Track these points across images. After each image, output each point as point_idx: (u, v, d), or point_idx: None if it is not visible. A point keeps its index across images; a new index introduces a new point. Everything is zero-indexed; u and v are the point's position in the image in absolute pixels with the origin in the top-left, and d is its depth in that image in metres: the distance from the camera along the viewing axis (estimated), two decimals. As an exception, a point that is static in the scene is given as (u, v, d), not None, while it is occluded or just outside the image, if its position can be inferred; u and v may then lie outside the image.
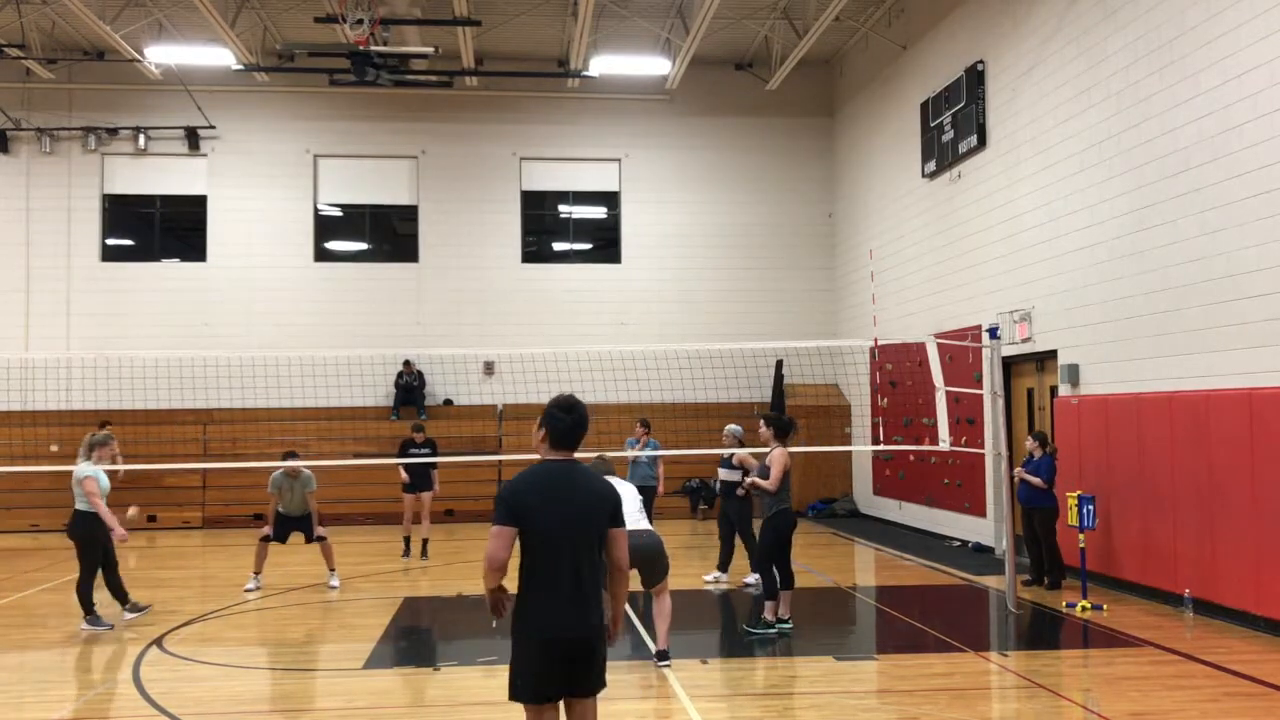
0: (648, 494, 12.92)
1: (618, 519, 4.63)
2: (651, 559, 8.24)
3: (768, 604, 9.56)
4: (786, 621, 9.55)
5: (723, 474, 12.11)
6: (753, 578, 11.08)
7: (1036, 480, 11.56)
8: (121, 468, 14.90)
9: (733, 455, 11.79)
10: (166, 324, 20.13)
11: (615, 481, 8.83)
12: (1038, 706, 7.29)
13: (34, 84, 20.11)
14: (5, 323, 19.97)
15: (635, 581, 8.86)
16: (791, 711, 7.10)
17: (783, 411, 20.47)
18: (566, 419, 4.57)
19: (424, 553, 14.46)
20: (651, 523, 9.08)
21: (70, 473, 10.17)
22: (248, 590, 11.94)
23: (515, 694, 4.53)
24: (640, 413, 15.66)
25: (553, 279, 21.33)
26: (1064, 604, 10.69)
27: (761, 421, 9.98)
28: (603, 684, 4.66)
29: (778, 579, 9.54)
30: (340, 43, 16.73)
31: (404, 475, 14.47)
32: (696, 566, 14.20)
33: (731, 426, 12.15)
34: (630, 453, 13.48)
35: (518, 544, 4.51)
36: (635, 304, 21.15)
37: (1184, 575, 10.16)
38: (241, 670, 8.53)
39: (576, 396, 4.70)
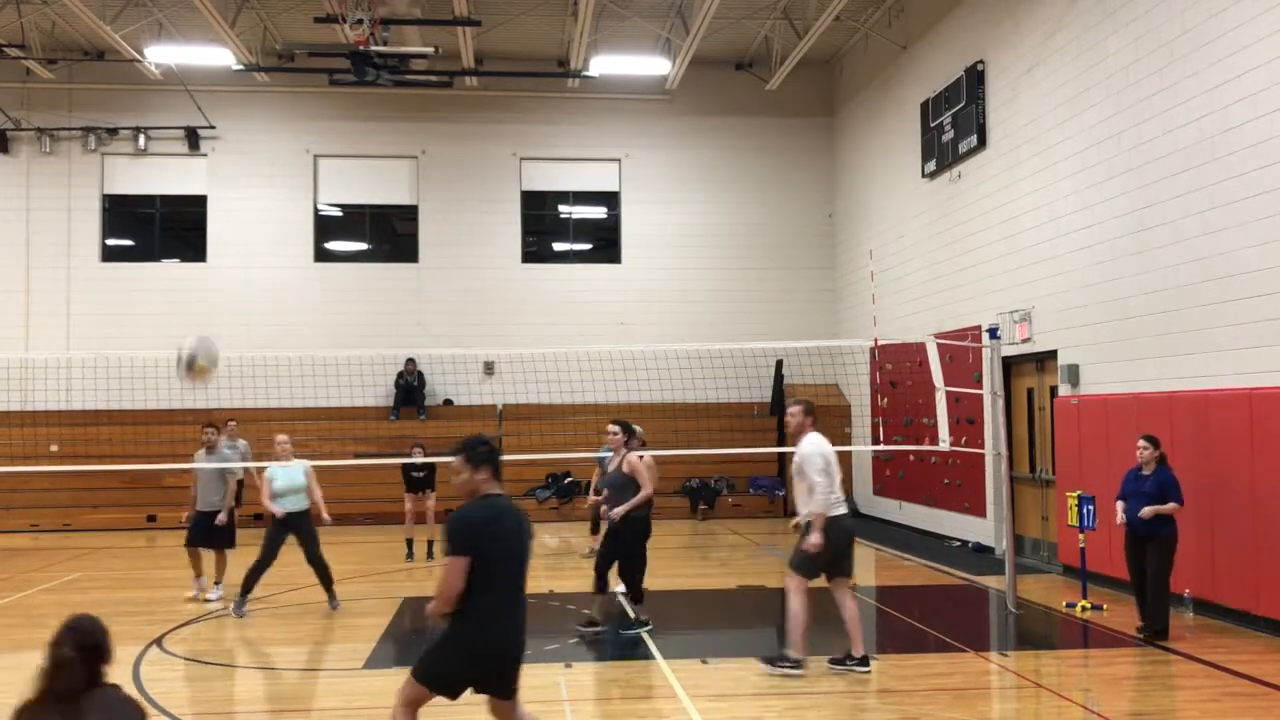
0: None
1: None
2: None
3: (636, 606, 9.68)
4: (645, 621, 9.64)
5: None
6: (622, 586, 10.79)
7: (1168, 508, 9.14)
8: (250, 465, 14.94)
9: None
10: (166, 324, 20.09)
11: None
12: (1038, 706, 7.29)
13: (34, 84, 20.11)
14: (5, 323, 19.97)
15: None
16: (791, 711, 7.09)
17: (783, 411, 20.48)
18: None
19: (430, 554, 14.45)
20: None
21: (72, 473, 10.26)
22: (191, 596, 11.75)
23: (437, 687, 5.03)
24: (641, 413, 15.65)
25: (553, 279, 21.33)
26: (1064, 604, 10.69)
27: (611, 423, 9.87)
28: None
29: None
30: (340, 43, 16.72)
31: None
32: (696, 566, 14.22)
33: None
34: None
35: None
36: (635, 304, 21.14)
37: (1184, 575, 10.15)
38: (241, 670, 8.53)
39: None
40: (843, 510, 8.06)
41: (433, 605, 4.95)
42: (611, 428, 9.96)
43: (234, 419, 15.99)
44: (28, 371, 19.41)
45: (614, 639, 9.32)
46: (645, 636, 9.22)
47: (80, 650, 3.43)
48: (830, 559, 8.00)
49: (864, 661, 7.97)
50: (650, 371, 16.84)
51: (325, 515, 11.05)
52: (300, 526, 10.91)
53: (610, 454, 11.42)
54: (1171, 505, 9.14)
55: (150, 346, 19.35)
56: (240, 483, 15.59)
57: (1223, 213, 10.06)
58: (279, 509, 10.78)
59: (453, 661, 4.98)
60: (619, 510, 9.34)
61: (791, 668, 7.86)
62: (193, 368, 9.60)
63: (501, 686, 5.07)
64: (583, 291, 21.17)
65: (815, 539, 7.86)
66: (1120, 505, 9.49)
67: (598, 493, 10.04)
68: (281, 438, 11.26)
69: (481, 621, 4.89)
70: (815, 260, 21.67)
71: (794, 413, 8.34)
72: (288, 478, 10.97)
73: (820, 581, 8.10)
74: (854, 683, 7.77)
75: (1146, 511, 9.12)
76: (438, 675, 5.01)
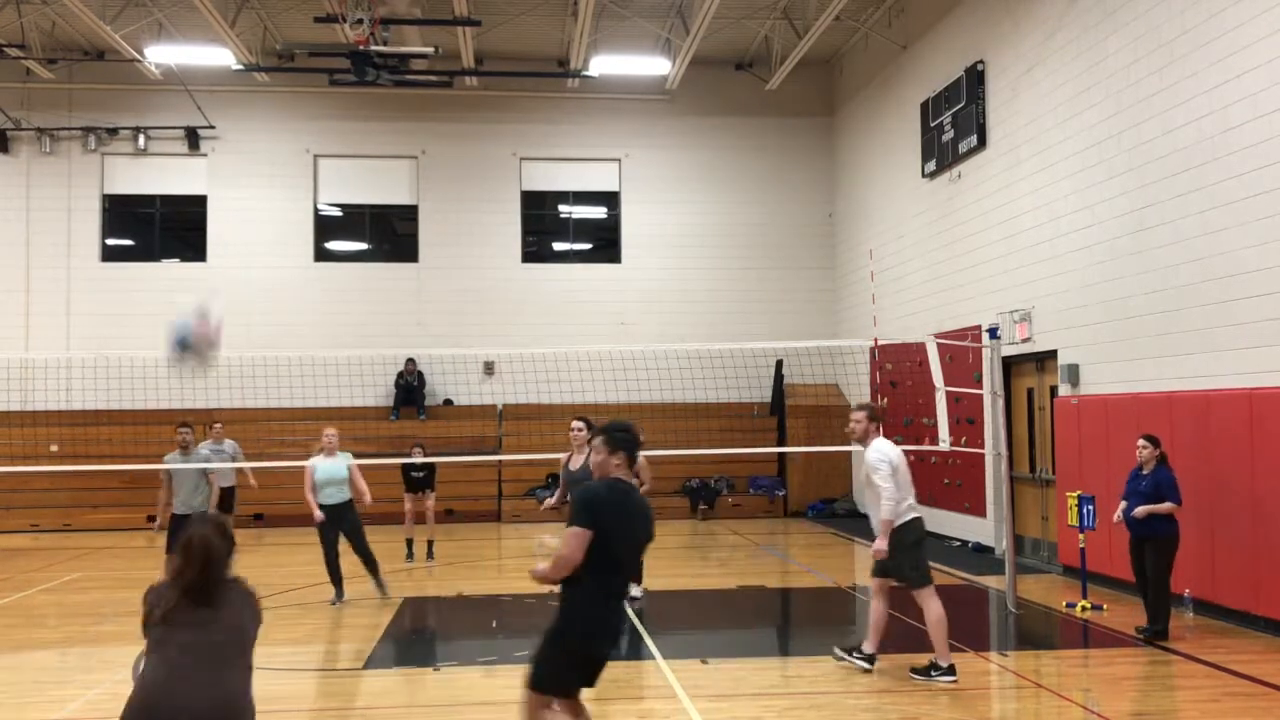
0: None
1: None
2: None
3: None
4: None
5: None
6: (638, 590, 10.64)
7: (1164, 507, 9.09)
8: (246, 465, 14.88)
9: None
10: (166, 324, 20.08)
11: None
12: (1038, 707, 7.29)
13: (34, 84, 20.11)
14: (5, 323, 19.97)
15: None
16: (791, 711, 7.10)
17: (783, 411, 20.47)
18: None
19: (429, 554, 14.42)
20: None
21: (72, 473, 10.26)
22: None
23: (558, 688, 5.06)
24: (641, 413, 15.65)
25: (553, 279, 21.33)
26: (1064, 604, 10.68)
27: (576, 419, 9.83)
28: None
29: None
30: (340, 43, 16.72)
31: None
32: (696, 566, 14.21)
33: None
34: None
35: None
36: (635, 304, 21.14)
37: (1184, 575, 10.15)
38: (241, 670, 8.51)
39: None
40: (914, 515, 7.94)
41: (544, 569, 4.97)
42: (576, 424, 9.80)
43: (220, 421, 15.93)
44: (28, 371, 19.41)
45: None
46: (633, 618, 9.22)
47: (224, 541, 4.02)
48: (919, 559, 7.91)
49: (870, 659, 7.96)
50: (650, 371, 16.84)
51: (368, 498, 11.29)
52: (342, 520, 11.08)
53: (568, 455, 10.76)
54: (1168, 505, 9.07)
55: (150, 346, 19.22)
56: (233, 488, 15.50)
57: (1223, 213, 10.06)
58: (320, 513, 11.00)
59: (563, 651, 4.96)
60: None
61: (944, 675, 7.71)
62: (186, 348, 9.43)
63: (595, 676, 5.09)
64: (583, 291, 21.18)
65: (880, 545, 7.85)
66: (1121, 505, 9.53)
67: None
68: (330, 431, 11.43)
69: (589, 609, 4.92)
70: (815, 260, 21.67)
71: (858, 419, 8.07)
72: (329, 469, 11.09)
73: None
74: (854, 683, 7.77)
75: (1140, 511, 9.11)
76: (555, 675, 4.99)
